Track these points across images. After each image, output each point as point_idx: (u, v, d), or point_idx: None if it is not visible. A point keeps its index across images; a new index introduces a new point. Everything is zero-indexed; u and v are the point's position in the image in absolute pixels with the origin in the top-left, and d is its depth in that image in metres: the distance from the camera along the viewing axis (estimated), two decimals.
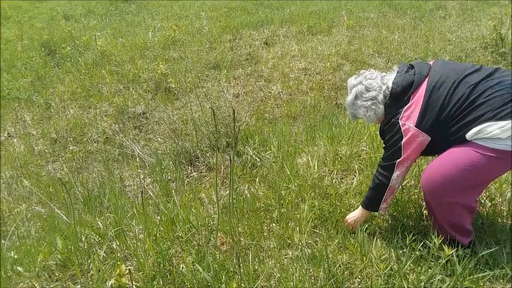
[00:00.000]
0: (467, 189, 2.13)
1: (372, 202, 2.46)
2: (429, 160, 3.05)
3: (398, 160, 2.27)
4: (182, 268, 2.39)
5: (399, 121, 2.23)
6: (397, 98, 2.27)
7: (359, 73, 2.46)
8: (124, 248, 2.59)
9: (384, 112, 2.35)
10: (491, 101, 2.03)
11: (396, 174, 2.30)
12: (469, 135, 2.06)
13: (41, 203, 3.61)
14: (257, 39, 7.70)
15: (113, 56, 6.98)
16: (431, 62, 2.33)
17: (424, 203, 2.79)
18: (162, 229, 2.71)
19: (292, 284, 2.20)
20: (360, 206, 2.54)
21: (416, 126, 2.18)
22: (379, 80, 2.35)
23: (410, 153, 2.24)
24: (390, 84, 2.31)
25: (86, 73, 6.54)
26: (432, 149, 2.27)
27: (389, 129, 2.30)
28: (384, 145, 2.39)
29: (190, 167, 3.88)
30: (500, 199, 2.77)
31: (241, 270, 2.28)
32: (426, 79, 2.22)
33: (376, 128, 3.67)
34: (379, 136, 2.53)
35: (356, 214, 2.58)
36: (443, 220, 2.26)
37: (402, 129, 2.21)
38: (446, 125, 2.14)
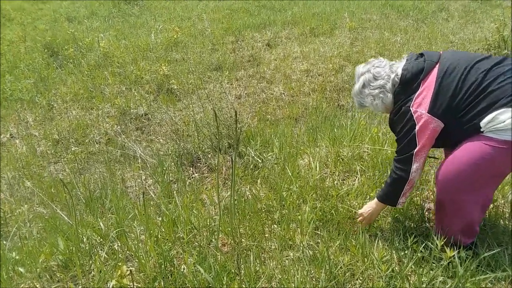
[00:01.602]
0: (481, 184, 2.12)
1: (390, 197, 2.39)
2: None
3: (415, 151, 2.19)
4: (184, 269, 2.39)
5: (411, 108, 2.16)
6: (407, 85, 2.22)
7: (368, 61, 2.42)
8: (126, 249, 2.59)
9: (392, 100, 2.30)
10: (504, 87, 2.00)
11: (415, 166, 2.22)
12: (483, 122, 2.01)
13: (43, 204, 3.62)
14: (259, 41, 7.71)
15: (116, 57, 6.99)
16: (440, 52, 2.30)
17: (425, 205, 2.79)
18: (163, 230, 2.71)
19: (293, 285, 2.19)
20: (376, 199, 2.47)
21: (428, 112, 2.12)
22: (388, 69, 2.31)
23: (425, 141, 2.17)
24: (399, 72, 2.26)
25: (89, 74, 6.55)
26: (444, 138, 2.20)
27: (400, 118, 2.23)
28: (396, 138, 2.31)
29: (191, 168, 3.88)
30: (502, 201, 2.76)
31: (242, 272, 2.28)
32: (437, 65, 2.18)
33: (377, 129, 3.67)
34: (389, 128, 2.47)
35: (371, 207, 2.51)
36: (452, 219, 2.24)
37: (414, 116, 2.15)
38: (459, 112, 2.09)
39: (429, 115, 2.12)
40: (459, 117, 2.10)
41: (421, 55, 2.28)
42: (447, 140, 2.22)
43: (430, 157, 2.64)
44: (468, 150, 2.09)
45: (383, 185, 2.46)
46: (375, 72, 2.32)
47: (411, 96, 2.19)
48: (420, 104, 2.14)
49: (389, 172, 2.44)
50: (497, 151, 2.01)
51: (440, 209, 2.31)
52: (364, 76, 2.36)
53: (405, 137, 2.21)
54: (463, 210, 2.19)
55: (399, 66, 2.29)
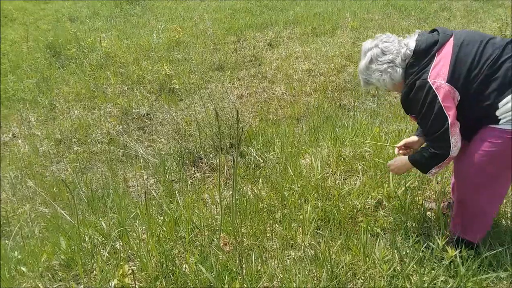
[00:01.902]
0: (499, 179, 2.12)
1: (423, 167, 2.26)
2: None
3: (448, 124, 2.02)
4: (185, 268, 2.39)
5: (428, 80, 2.03)
6: (421, 56, 2.11)
7: (375, 36, 2.29)
8: (127, 249, 2.59)
9: (402, 76, 2.18)
10: None
11: (453, 139, 2.06)
12: (502, 104, 1.95)
13: (45, 203, 3.63)
14: (261, 41, 7.71)
15: (118, 57, 7.00)
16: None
17: (427, 204, 2.78)
18: (165, 229, 2.71)
19: (294, 284, 2.19)
20: (408, 159, 2.33)
21: (447, 82, 2.01)
22: (397, 44, 2.20)
23: (454, 111, 2.03)
24: (411, 45, 2.16)
25: (91, 74, 6.56)
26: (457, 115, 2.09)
27: (417, 94, 2.08)
28: (418, 118, 2.17)
29: (193, 168, 3.88)
30: (504, 201, 2.75)
31: (244, 271, 2.28)
32: (451, 38, 2.10)
33: (379, 128, 3.67)
34: (404, 109, 2.33)
35: (400, 162, 2.39)
36: (473, 216, 2.24)
37: (434, 87, 2.01)
38: (474, 86, 2.00)
39: (449, 84, 2.01)
40: (474, 91, 2.01)
41: (433, 30, 2.21)
42: (459, 117, 2.10)
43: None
44: (485, 145, 2.05)
45: (419, 153, 2.29)
46: (384, 47, 2.19)
47: (425, 68, 2.07)
48: (438, 75, 2.03)
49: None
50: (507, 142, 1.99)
51: (461, 207, 2.29)
52: (371, 51, 2.21)
53: (430, 112, 2.05)
54: (484, 206, 2.20)
55: (409, 41, 2.19)
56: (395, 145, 2.62)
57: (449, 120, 2.02)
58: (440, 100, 2.00)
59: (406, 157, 2.37)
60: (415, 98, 2.10)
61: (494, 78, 1.98)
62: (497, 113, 1.98)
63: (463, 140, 2.15)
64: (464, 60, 2.01)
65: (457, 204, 2.32)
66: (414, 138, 2.48)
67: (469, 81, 2.00)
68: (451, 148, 2.07)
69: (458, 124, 2.06)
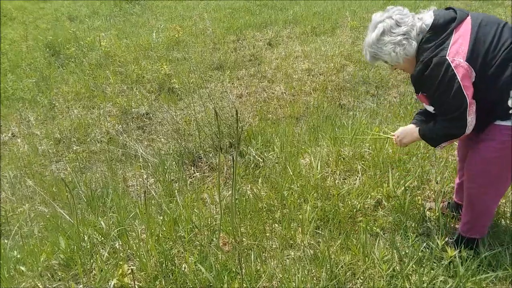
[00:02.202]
0: (505, 178, 2.12)
1: (434, 142, 2.19)
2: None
3: (467, 102, 1.93)
4: (184, 268, 2.39)
5: (447, 57, 1.93)
6: (438, 32, 2.00)
7: (386, 9, 2.16)
8: (127, 248, 2.59)
9: (416, 51, 2.06)
10: None
11: (470, 118, 1.98)
12: None
13: (44, 203, 3.62)
14: (261, 40, 7.71)
15: (117, 56, 7.00)
16: None
17: (426, 204, 2.78)
18: (164, 229, 2.71)
19: (294, 284, 2.19)
20: (417, 131, 2.26)
21: (466, 61, 1.91)
22: (411, 17, 2.07)
23: (471, 91, 1.95)
24: (426, 19, 2.05)
25: (90, 73, 6.56)
26: None
27: (434, 72, 1.97)
28: (433, 96, 2.07)
29: (193, 168, 3.88)
30: (504, 200, 2.75)
31: (243, 271, 2.28)
32: (469, 17, 2.02)
33: (379, 128, 3.66)
34: (414, 87, 2.20)
35: (408, 134, 2.32)
36: (481, 215, 2.24)
37: (453, 65, 1.91)
38: (492, 70, 1.93)
39: (467, 63, 1.91)
40: (491, 74, 1.94)
41: (448, 8, 2.11)
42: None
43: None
44: (493, 144, 2.03)
45: (431, 128, 2.19)
46: (398, 18, 2.05)
47: (443, 45, 1.96)
48: (457, 53, 1.93)
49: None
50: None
51: (469, 206, 2.27)
52: (384, 23, 2.07)
53: (448, 92, 1.95)
54: (490, 205, 2.21)
55: (424, 16, 2.09)
56: (392, 134, 2.56)
57: (468, 100, 1.93)
58: (459, 79, 1.91)
59: (414, 127, 2.30)
60: (432, 76, 1.98)
61: (511, 64, 1.92)
62: (509, 102, 1.93)
63: (472, 132, 2.09)
64: (482, 40, 1.93)
65: (466, 203, 2.30)
66: (411, 126, 2.39)
67: (487, 63, 1.93)
68: (467, 127, 2.00)
69: (474, 103, 1.98)
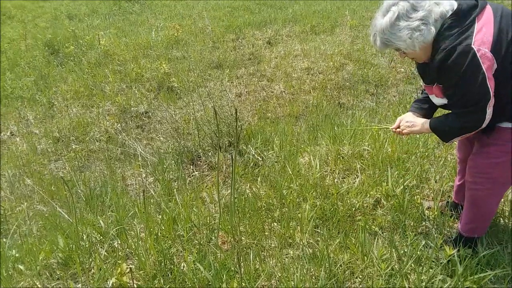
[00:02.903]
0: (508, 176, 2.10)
1: (446, 136, 2.09)
2: None
3: (491, 95, 1.83)
4: (183, 267, 2.39)
5: (473, 46, 1.79)
6: (462, 18, 1.86)
7: None
8: (126, 247, 2.59)
9: (434, 38, 1.91)
10: None
11: (489, 111, 1.88)
12: None
13: (43, 201, 3.62)
14: (260, 39, 7.70)
15: (116, 55, 6.99)
16: None
17: (425, 203, 2.78)
18: (163, 228, 2.71)
19: (293, 283, 2.19)
20: (427, 123, 2.14)
21: (491, 51, 1.80)
22: (428, 0, 1.90)
23: (493, 83, 1.84)
24: (446, 4, 1.90)
25: (89, 72, 6.55)
26: None
27: (458, 61, 1.83)
28: (452, 89, 1.95)
29: (192, 166, 3.88)
30: (502, 199, 2.75)
31: (242, 269, 2.28)
32: (488, 5, 1.91)
33: (378, 128, 3.66)
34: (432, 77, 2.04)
35: (417, 125, 2.19)
36: (485, 214, 2.23)
37: (478, 54, 1.78)
38: (510, 66, 1.84)
39: (492, 54, 1.80)
40: (507, 70, 1.85)
41: None
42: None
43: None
44: (507, 147, 2.01)
45: (444, 121, 2.07)
46: (414, 2, 1.88)
47: (467, 32, 1.83)
48: (483, 42, 1.80)
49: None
50: None
51: (473, 207, 2.25)
52: (398, 6, 1.90)
53: (472, 83, 1.83)
54: (494, 206, 2.21)
55: (442, 1, 1.91)
56: (390, 126, 2.48)
57: (490, 94, 1.83)
58: (484, 70, 1.80)
59: (423, 120, 2.18)
60: (455, 65, 1.84)
61: None
62: None
63: (478, 133, 2.05)
64: (505, 31, 1.83)
65: (469, 205, 2.27)
66: (409, 114, 2.32)
67: (507, 57, 1.83)
68: (484, 121, 1.90)
69: (493, 97, 1.88)
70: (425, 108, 2.29)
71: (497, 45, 1.81)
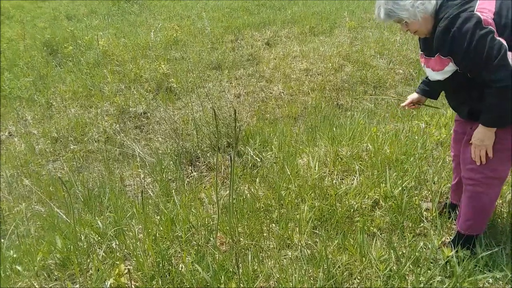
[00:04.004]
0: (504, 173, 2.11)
1: (502, 116, 1.93)
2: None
3: (505, 46, 1.81)
4: (181, 268, 2.38)
5: (476, 12, 1.85)
6: None
7: None
8: (124, 248, 2.59)
9: (436, 9, 1.98)
10: None
11: None
12: None
13: (41, 202, 3.62)
14: (259, 40, 7.71)
15: (115, 56, 6.99)
16: None
17: (423, 204, 2.79)
18: (161, 229, 2.70)
19: (291, 284, 2.19)
20: (486, 128, 2.00)
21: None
22: None
23: (502, 39, 1.83)
24: None
25: (88, 72, 6.55)
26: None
27: (464, 26, 1.85)
28: (464, 57, 1.90)
29: (190, 167, 3.87)
30: (500, 201, 2.75)
31: (240, 271, 2.27)
32: None
33: (376, 128, 3.67)
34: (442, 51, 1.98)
35: (481, 136, 2.03)
36: (483, 211, 2.23)
37: (482, 17, 1.83)
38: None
39: (494, 22, 1.84)
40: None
41: None
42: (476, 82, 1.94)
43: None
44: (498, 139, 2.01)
45: (487, 108, 1.97)
46: None
47: (468, 4, 1.89)
48: (485, 10, 1.86)
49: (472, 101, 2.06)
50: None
51: (471, 201, 2.23)
52: None
53: (484, 40, 1.82)
54: (493, 202, 2.21)
55: None
56: (401, 104, 2.55)
57: (505, 43, 1.82)
58: (492, 28, 1.82)
59: (479, 129, 2.03)
60: (462, 29, 1.85)
61: None
62: None
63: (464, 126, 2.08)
64: (506, 10, 1.87)
65: (467, 200, 2.26)
66: (415, 95, 2.41)
67: (507, 36, 1.84)
68: None
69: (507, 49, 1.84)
70: (428, 90, 2.36)
71: (498, 16, 1.85)
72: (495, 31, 1.84)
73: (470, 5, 1.88)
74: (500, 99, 1.88)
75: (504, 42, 1.83)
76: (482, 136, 2.02)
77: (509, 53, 1.83)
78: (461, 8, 1.89)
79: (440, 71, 2.05)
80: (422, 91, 2.45)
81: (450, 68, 2.00)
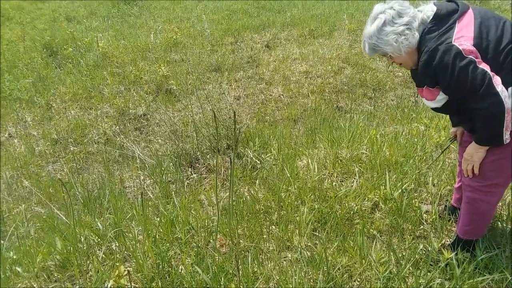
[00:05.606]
0: (504, 178, 2.11)
1: (494, 137, 1.96)
2: None
3: (489, 73, 1.84)
4: (181, 269, 2.39)
5: (454, 42, 1.88)
6: (441, 22, 1.96)
7: (386, 1, 2.09)
8: (123, 249, 2.59)
9: (417, 41, 2.01)
10: None
11: (500, 88, 1.85)
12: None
13: (41, 203, 3.61)
14: (259, 42, 7.72)
15: (115, 57, 6.99)
16: None
17: (423, 206, 2.79)
18: (161, 230, 2.71)
19: (291, 286, 2.20)
20: (478, 146, 2.05)
21: (473, 46, 1.87)
22: (412, 8, 2.03)
23: (485, 65, 1.87)
24: (427, 11, 2.03)
25: (88, 74, 6.55)
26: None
27: (444, 58, 1.90)
28: (448, 87, 1.96)
29: (190, 169, 3.88)
30: (500, 203, 2.76)
31: (240, 272, 2.28)
32: (470, 9, 2.00)
33: (376, 131, 3.67)
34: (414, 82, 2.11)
35: (473, 152, 2.09)
36: (483, 215, 2.23)
37: (461, 48, 1.86)
38: (492, 65, 1.88)
39: (475, 48, 1.87)
40: (491, 68, 1.88)
41: (449, 0, 2.07)
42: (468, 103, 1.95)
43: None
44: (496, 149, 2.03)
45: (478, 130, 2.03)
46: (400, 9, 2.01)
47: (446, 34, 1.93)
48: (464, 38, 1.89)
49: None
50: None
51: (471, 207, 2.22)
52: (385, 14, 2.02)
53: (465, 71, 1.86)
54: (493, 208, 2.21)
55: (424, 8, 2.06)
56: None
57: (488, 71, 1.85)
58: (473, 58, 1.86)
59: (472, 145, 2.10)
60: (442, 63, 1.91)
61: None
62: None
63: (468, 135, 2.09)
64: (485, 32, 1.90)
65: (467, 205, 2.25)
66: (453, 129, 2.43)
67: (489, 56, 1.89)
68: (503, 99, 1.85)
69: (494, 75, 1.87)
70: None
71: (479, 41, 1.88)
72: (478, 57, 1.87)
73: (447, 36, 1.91)
74: (489, 124, 1.93)
75: (488, 69, 1.86)
76: (472, 152, 2.09)
77: (496, 78, 1.86)
78: (439, 41, 1.92)
79: (433, 100, 2.09)
80: (453, 122, 2.42)
81: (441, 97, 2.05)
